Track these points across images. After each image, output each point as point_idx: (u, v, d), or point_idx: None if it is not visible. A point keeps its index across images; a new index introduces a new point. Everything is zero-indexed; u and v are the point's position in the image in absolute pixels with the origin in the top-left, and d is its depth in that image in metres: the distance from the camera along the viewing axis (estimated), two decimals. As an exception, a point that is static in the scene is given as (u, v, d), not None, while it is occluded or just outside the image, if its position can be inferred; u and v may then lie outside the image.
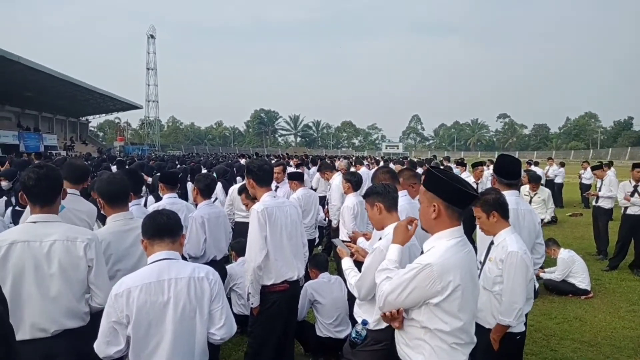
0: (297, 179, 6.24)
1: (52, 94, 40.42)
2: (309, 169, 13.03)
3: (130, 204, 3.12)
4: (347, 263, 2.91)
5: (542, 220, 5.99)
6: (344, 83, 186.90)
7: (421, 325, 2.02)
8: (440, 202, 2.03)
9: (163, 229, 2.28)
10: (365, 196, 2.94)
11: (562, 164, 16.44)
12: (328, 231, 7.86)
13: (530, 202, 8.10)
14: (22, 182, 2.40)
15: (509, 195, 3.28)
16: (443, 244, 2.02)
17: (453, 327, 1.98)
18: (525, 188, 8.39)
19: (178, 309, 2.17)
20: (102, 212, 3.01)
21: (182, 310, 2.18)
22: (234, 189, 6.27)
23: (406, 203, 3.74)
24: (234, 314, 4.74)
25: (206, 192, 4.24)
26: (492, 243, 3.07)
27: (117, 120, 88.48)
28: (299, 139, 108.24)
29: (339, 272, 5.70)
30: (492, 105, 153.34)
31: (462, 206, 2.08)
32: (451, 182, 2.03)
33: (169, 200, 4.33)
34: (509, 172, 3.50)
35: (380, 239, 2.72)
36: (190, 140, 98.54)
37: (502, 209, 3.01)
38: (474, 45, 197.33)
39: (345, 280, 2.96)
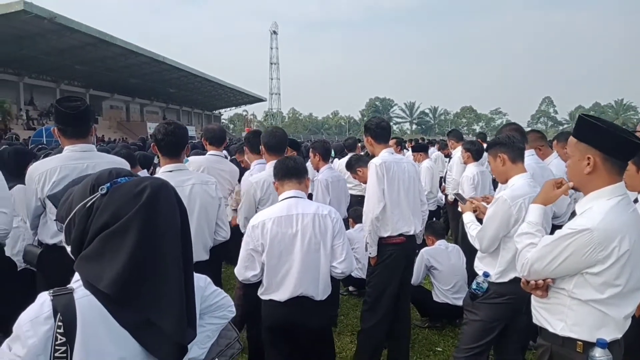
0: (422, 150, 6.39)
1: (190, 89, 45.40)
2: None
3: None
4: (468, 217, 2.86)
5: None
6: (463, 67, 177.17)
7: (569, 295, 1.77)
8: (597, 153, 1.73)
9: (291, 171, 2.52)
10: (487, 148, 2.85)
11: None
12: (445, 209, 7.69)
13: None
14: (153, 135, 2.78)
15: None
16: (602, 204, 1.73)
17: (609, 295, 1.73)
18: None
19: (305, 241, 2.40)
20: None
21: (308, 242, 2.40)
22: (339, 162, 6.54)
23: (534, 162, 3.53)
24: (352, 277, 4.98)
25: (326, 156, 4.47)
26: (636, 201, 2.75)
27: (244, 113, 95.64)
28: (414, 126, 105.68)
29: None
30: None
31: (625, 157, 1.80)
32: (611, 130, 1.75)
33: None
34: None
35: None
36: (308, 130, 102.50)
37: None
38: (614, 17, 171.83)
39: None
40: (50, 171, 2.52)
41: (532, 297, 1.98)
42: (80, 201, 1.08)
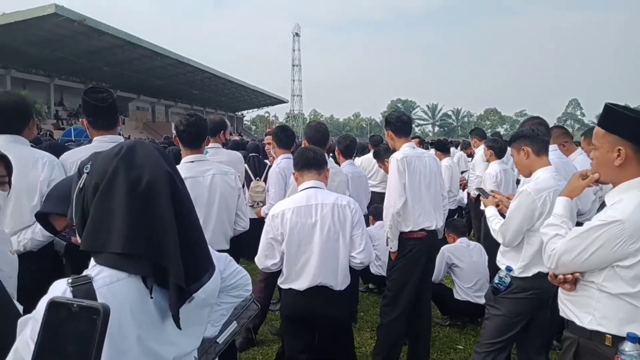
0: (441, 149, 6.39)
1: (214, 91, 46.10)
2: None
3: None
4: (490, 211, 2.82)
5: None
6: (487, 68, 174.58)
7: (599, 288, 1.73)
8: (628, 145, 1.68)
9: (310, 162, 2.54)
10: (511, 141, 2.80)
11: None
12: (467, 209, 7.60)
13: None
14: (176, 127, 2.83)
15: None
16: (634, 195, 1.68)
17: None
18: None
19: (324, 230, 2.41)
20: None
21: (327, 232, 2.41)
22: (361, 159, 6.57)
23: (556, 158, 3.45)
24: (372, 274, 4.96)
25: (347, 152, 4.47)
26: None
27: (266, 115, 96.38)
28: (437, 128, 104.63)
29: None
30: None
31: None
32: None
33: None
34: None
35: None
36: (329, 131, 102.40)
37: None
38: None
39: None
40: (81, 160, 2.59)
41: (560, 289, 1.93)
42: (75, 189, 1.08)
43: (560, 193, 2.05)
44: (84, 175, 1.07)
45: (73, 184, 1.10)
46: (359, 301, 4.70)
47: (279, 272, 2.56)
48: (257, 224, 3.44)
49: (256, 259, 2.51)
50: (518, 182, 5.66)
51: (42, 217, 1.51)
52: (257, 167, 5.38)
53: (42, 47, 25.50)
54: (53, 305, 0.78)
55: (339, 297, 2.46)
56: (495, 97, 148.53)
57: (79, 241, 1.08)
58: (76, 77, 34.22)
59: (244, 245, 3.76)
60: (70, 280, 0.96)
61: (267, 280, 3.64)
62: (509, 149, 5.74)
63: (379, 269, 4.97)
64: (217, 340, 1.42)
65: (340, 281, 2.45)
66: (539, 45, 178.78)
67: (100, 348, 0.77)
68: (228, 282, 1.37)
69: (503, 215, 2.76)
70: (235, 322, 1.50)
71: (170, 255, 1.02)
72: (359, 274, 4.28)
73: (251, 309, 1.56)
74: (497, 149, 5.26)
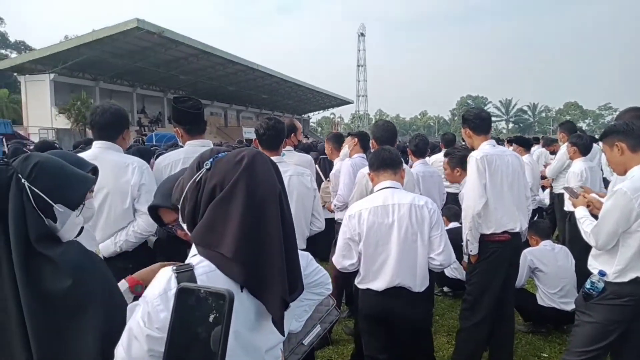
0: (522, 145, 6.37)
1: (282, 95, 47.33)
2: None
3: None
4: (581, 212, 2.65)
5: None
6: (566, 59, 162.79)
7: None
8: None
9: (386, 162, 2.54)
10: (602, 137, 2.61)
11: None
12: (549, 210, 7.18)
13: None
14: (256, 131, 2.92)
15: None
16: None
17: None
18: None
19: (401, 231, 2.39)
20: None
21: (405, 232, 2.39)
22: (434, 158, 6.46)
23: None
24: (447, 277, 4.84)
25: (418, 151, 4.42)
26: None
27: (331, 116, 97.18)
28: (511, 125, 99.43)
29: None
30: None
31: None
32: None
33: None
34: None
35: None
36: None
37: None
38: None
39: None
40: (175, 162, 2.77)
41: None
42: (190, 179, 1.16)
43: None
44: (203, 170, 1.14)
45: (188, 172, 1.19)
46: (434, 304, 4.59)
47: (349, 274, 2.58)
48: (327, 224, 3.53)
49: (334, 259, 2.55)
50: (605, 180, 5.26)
51: (153, 210, 1.65)
52: (328, 168, 5.48)
53: (126, 59, 27.66)
54: (182, 291, 0.84)
55: (417, 298, 2.43)
56: (576, 90, 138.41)
57: (187, 234, 1.17)
58: (155, 86, 36.61)
59: (318, 246, 3.83)
60: (175, 268, 1.05)
61: (338, 281, 3.67)
62: (594, 145, 5.39)
63: (454, 271, 4.83)
64: (303, 342, 1.49)
65: (419, 282, 2.42)
66: (626, 31, 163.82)
67: (227, 332, 0.81)
68: (310, 279, 1.41)
69: (594, 216, 2.59)
70: (319, 325, 1.55)
71: (276, 269, 1.07)
72: (435, 277, 4.20)
73: (333, 314, 1.61)
74: (582, 146, 4.91)
